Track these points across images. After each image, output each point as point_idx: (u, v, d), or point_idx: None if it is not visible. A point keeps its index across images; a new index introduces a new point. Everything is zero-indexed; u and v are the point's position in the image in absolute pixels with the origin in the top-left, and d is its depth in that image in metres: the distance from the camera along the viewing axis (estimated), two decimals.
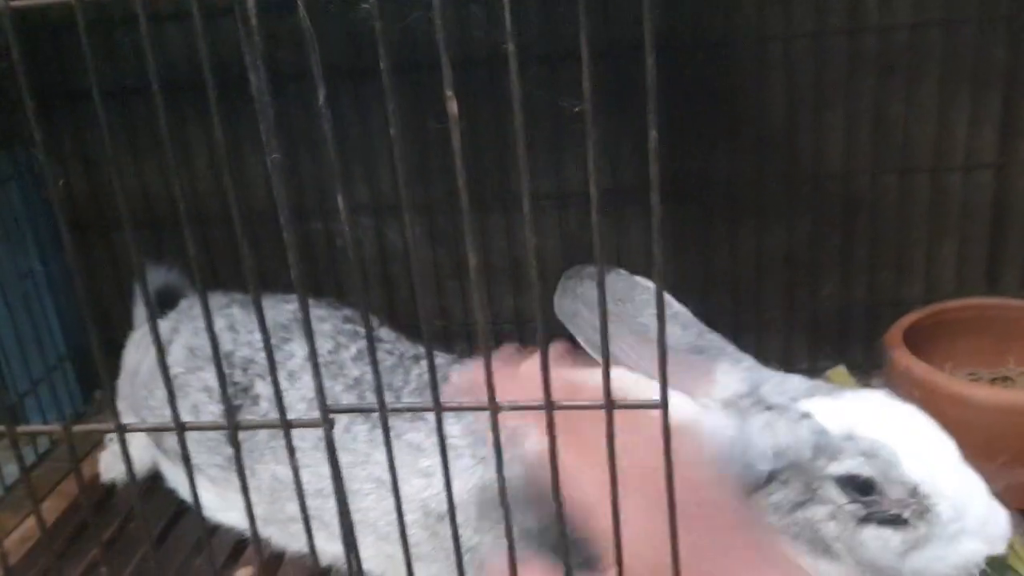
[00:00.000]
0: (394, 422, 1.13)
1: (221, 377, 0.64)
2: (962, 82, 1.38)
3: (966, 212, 1.44)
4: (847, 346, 1.46)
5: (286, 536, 1.20)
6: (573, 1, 0.47)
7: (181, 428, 0.68)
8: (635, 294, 1.05)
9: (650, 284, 1.04)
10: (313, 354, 0.60)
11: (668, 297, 1.02)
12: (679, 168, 1.40)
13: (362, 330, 1.27)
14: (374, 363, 0.62)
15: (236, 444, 0.71)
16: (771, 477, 0.94)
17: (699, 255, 1.45)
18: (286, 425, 0.63)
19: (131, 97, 1.43)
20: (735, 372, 0.98)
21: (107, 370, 0.75)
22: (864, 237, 1.46)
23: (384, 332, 1.31)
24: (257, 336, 1.18)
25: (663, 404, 0.49)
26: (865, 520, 0.93)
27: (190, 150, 1.51)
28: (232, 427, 0.67)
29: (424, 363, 1.24)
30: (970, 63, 1.37)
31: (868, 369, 1.43)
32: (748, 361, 1.01)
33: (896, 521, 0.93)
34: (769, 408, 0.95)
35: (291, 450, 0.64)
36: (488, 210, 1.48)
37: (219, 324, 1.32)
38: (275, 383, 0.61)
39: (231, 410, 0.65)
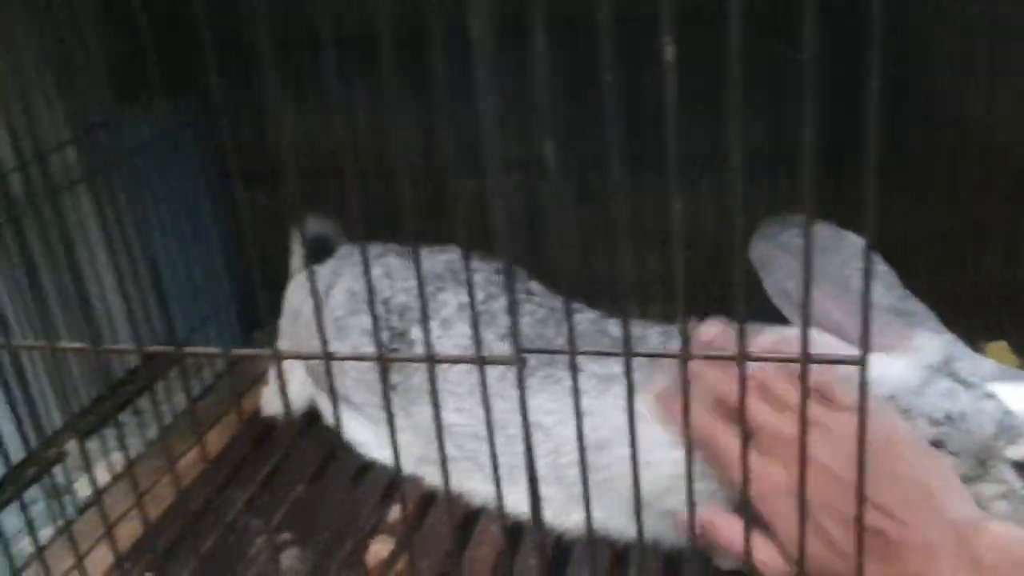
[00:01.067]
0: (552, 370, 1.16)
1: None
2: None
3: None
4: (1011, 324, 1.41)
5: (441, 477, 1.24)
6: None
7: (328, 357, 0.71)
8: (842, 247, 1.04)
9: (858, 239, 1.03)
10: (510, 292, 0.63)
11: (875, 256, 1.02)
12: (836, 133, 1.36)
13: (522, 281, 1.31)
14: (568, 316, 0.63)
15: (386, 377, 0.74)
16: (936, 444, 0.93)
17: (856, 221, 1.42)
18: (481, 361, 0.65)
19: (298, 50, 1.48)
20: (934, 341, 0.98)
21: (267, 307, 0.81)
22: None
23: (534, 285, 1.33)
24: (413, 283, 1.22)
25: (862, 361, 0.49)
26: None
27: (354, 103, 1.56)
28: (380, 359, 0.71)
29: (576, 317, 1.26)
30: None
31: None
32: (949, 335, 1.00)
33: None
34: (958, 381, 0.95)
35: (484, 385, 0.66)
36: (643, 170, 1.47)
37: (376, 272, 1.37)
38: (474, 319, 0.64)
39: (379, 341, 0.68)
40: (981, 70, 1.35)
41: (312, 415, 1.45)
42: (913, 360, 0.96)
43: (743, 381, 0.55)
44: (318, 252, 1.55)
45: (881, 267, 1.05)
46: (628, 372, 0.62)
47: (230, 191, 1.68)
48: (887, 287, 1.04)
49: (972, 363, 0.98)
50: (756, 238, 1.07)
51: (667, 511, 1.04)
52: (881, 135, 0.50)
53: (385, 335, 1.32)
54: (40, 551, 1.02)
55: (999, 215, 1.41)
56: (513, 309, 0.64)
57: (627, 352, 0.60)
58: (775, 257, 1.05)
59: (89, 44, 1.37)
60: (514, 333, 0.64)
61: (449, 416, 1.20)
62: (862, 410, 0.50)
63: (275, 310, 1.46)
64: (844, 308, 0.98)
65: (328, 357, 0.74)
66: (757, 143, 1.39)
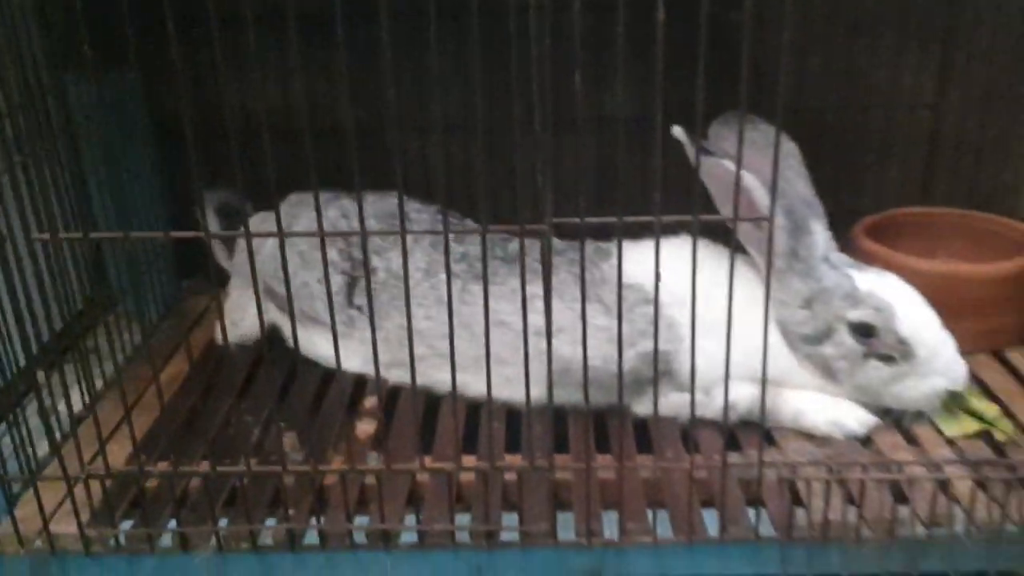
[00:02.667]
0: (499, 271, 1.46)
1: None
2: (910, 39, 1.79)
3: (908, 141, 1.87)
4: None
5: (404, 372, 1.52)
6: None
7: (283, 234, 0.99)
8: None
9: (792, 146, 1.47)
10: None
11: (800, 162, 1.47)
12: (687, 97, 1.77)
13: (456, 220, 1.60)
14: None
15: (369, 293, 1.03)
16: (808, 303, 1.35)
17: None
18: (485, 230, 0.96)
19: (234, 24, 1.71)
20: (821, 233, 1.41)
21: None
22: (829, 159, 1.84)
23: (469, 222, 1.63)
24: (369, 223, 1.50)
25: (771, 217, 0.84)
26: (866, 356, 1.36)
27: (287, 71, 1.80)
28: (402, 232, 1.00)
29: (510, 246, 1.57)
30: (917, 24, 1.78)
31: None
32: (829, 232, 1.43)
33: (888, 359, 1.35)
34: (830, 265, 1.38)
35: (485, 262, 0.96)
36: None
37: (334, 212, 1.62)
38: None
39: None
40: (794, 51, 1.79)
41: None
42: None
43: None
44: (225, 216, 1.77)
45: (804, 171, 1.46)
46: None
47: (169, 150, 1.87)
48: (806, 184, 1.45)
49: (837, 254, 1.41)
50: (716, 123, 1.47)
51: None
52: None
53: (347, 265, 1.59)
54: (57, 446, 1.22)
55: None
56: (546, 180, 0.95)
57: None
58: (725, 138, 1.43)
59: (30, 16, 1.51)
60: (546, 206, 0.95)
61: (420, 323, 1.48)
62: (768, 261, 0.86)
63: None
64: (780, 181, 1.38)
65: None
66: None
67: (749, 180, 1.30)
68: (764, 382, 1.17)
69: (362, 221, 1.11)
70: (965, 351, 1.56)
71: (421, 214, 1.63)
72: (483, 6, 0.97)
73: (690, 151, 1.31)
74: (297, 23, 1.01)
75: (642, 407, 1.44)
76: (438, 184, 1.87)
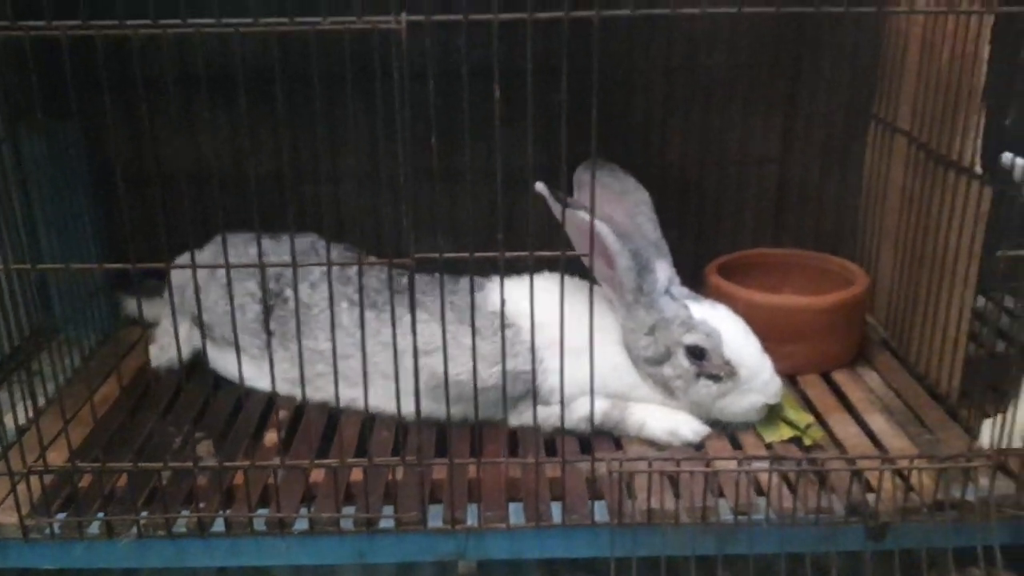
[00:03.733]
0: (402, 311, 1.69)
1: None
2: (758, 104, 2.08)
3: (760, 191, 2.15)
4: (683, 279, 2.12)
5: (313, 390, 1.74)
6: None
7: (228, 266, 1.23)
8: (634, 191, 1.79)
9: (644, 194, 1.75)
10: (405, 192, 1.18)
11: (652, 210, 1.75)
12: (575, 153, 2.04)
13: (353, 255, 1.84)
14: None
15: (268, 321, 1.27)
16: (652, 330, 1.61)
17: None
18: (384, 262, 1.20)
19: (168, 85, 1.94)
20: (665, 270, 1.67)
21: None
22: (692, 207, 2.14)
23: (373, 258, 1.88)
24: (284, 257, 1.75)
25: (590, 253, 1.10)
26: (698, 375, 1.61)
27: (217, 126, 2.04)
28: (294, 264, 1.24)
29: (403, 280, 1.81)
30: (763, 92, 2.07)
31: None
32: (673, 270, 1.69)
33: (716, 378, 1.61)
34: (671, 297, 1.64)
35: (361, 288, 1.21)
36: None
37: (252, 251, 1.83)
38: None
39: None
40: (658, 115, 2.08)
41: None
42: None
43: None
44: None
45: (653, 216, 1.74)
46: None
47: (108, 196, 2.09)
48: (654, 227, 1.72)
49: (678, 287, 1.68)
50: (581, 167, 1.72)
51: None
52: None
53: (262, 294, 1.82)
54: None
55: (671, 208, 2.13)
56: (409, 208, 1.19)
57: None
58: (587, 183, 1.54)
59: None
60: (409, 241, 1.20)
61: (321, 344, 1.71)
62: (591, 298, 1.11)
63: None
64: (631, 228, 1.67)
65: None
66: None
67: (601, 228, 1.56)
68: (593, 396, 1.41)
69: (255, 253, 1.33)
70: (797, 372, 1.84)
71: (331, 251, 1.86)
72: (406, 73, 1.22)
73: (552, 204, 1.56)
74: (210, 86, 1.24)
75: (514, 419, 1.68)
76: (351, 225, 2.12)
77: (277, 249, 1.84)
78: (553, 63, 1.12)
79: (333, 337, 1.42)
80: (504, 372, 1.47)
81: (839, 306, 1.82)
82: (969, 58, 1.57)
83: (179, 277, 1.89)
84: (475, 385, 1.43)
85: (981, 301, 1.73)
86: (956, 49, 1.63)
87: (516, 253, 1.30)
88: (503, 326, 1.42)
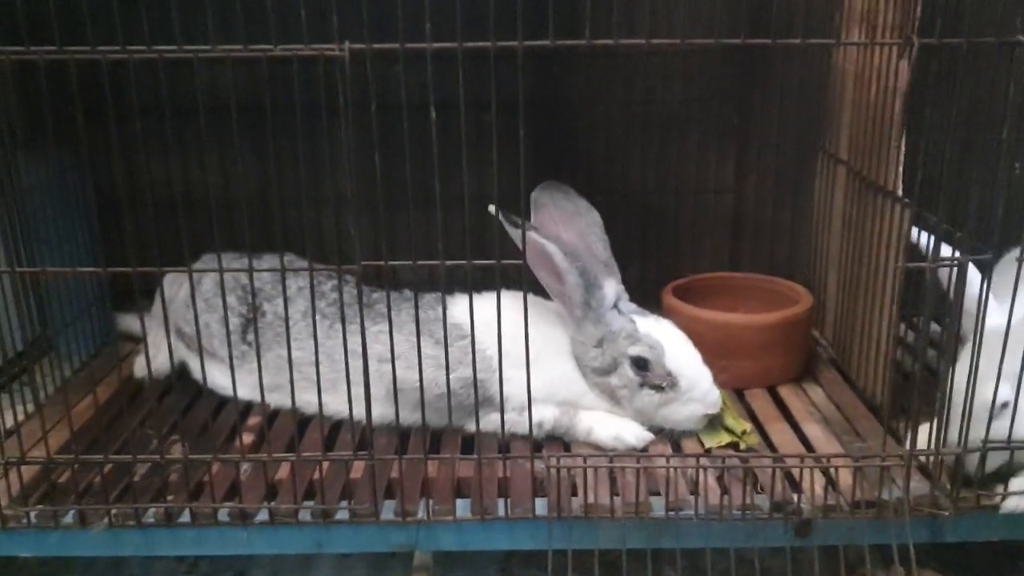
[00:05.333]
0: (370, 321, 1.81)
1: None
2: (712, 136, 2.21)
3: (716, 219, 2.28)
4: (645, 306, 2.23)
5: (283, 396, 1.85)
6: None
7: (190, 271, 1.36)
8: (586, 212, 1.89)
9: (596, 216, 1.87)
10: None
11: (603, 230, 1.85)
12: (539, 182, 2.17)
13: (334, 276, 1.96)
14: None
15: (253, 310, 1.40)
16: (600, 343, 1.71)
17: None
18: (339, 268, 1.32)
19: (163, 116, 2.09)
20: (613, 287, 1.78)
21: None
22: (653, 234, 2.26)
23: (347, 277, 2.00)
24: (265, 277, 1.88)
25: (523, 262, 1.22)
26: (641, 385, 1.72)
27: (204, 153, 2.18)
28: (283, 269, 1.36)
29: (380, 293, 1.94)
30: (717, 124, 2.21)
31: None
32: (621, 286, 1.80)
33: (658, 388, 1.71)
34: (619, 312, 1.75)
35: (314, 296, 1.33)
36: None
37: (236, 267, 1.98)
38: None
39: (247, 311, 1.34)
40: (619, 146, 2.21)
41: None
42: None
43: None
44: None
45: (605, 237, 1.85)
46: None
47: (104, 218, 2.23)
48: (604, 247, 1.83)
49: (625, 303, 1.78)
50: (538, 189, 1.86)
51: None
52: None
53: (244, 308, 1.95)
54: None
55: (633, 235, 2.26)
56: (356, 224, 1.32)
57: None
58: (544, 204, 1.83)
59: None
60: (357, 249, 1.32)
61: (294, 354, 1.83)
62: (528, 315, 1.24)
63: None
64: (582, 247, 1.78)
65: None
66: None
67: (550, 248, 1.68)
68: (527, 405, 1.52)
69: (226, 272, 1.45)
70: (745, 386, 1.94)
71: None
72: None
73: (507, 224, 1.67)
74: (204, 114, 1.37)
75: (471, 425, 1.78)
76: (331, 247, 2.24)
77: (257, 267, 1.97)
78: (536, 95, 1.24)
79: (318, 346, 1.53)
80: (470, 379, 1.61)
81: (782, 323, 1.93)
82: (892, 88, 1.69)
83: (167, 290, 2.04)
84: (422, 389, 1.55)
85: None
86: (881, 81, 1.75)
87: (456, 262, 1.42)
88: (474, 343, 1.60)
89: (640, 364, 1.71)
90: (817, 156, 2.17)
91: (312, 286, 1.57)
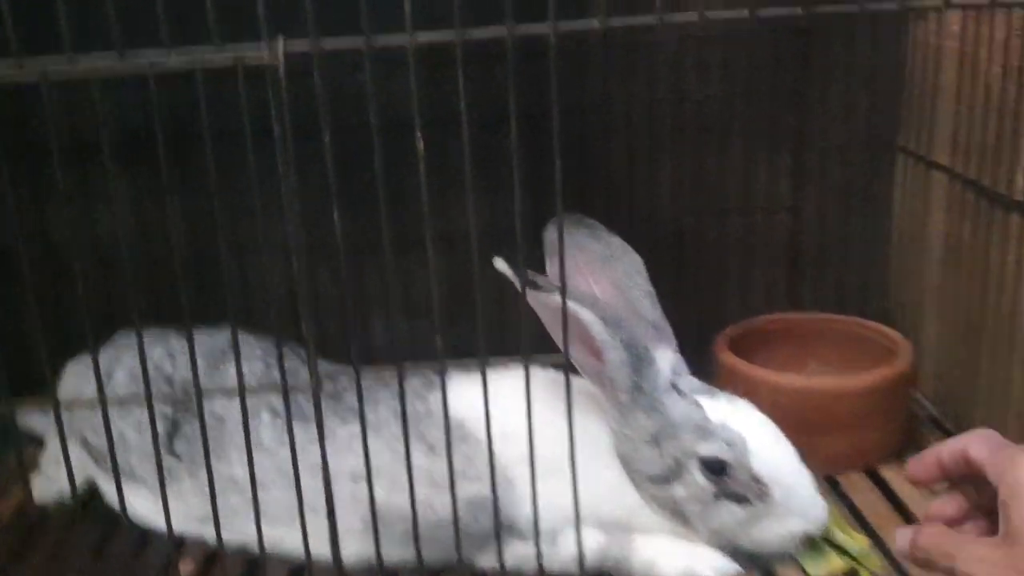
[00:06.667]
0: (332, 423, 1.34)
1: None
2: (761, 141, 1.75)
3: (769, 245, 1.81)
4: (684, 356, 1.78)
5: (226, 530, 1.38)
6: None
7: (104, 403, 0.88)
8: (627, 259, 1.38)
9: (638, 258, 1.38)
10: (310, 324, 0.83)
11: (647, 280, 1.36)
12: (539, 210, 1.70)
13: (292, 355, 1.48)
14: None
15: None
16: (655, 439, 1.23)
17: None
18: (286, 388, 0.85)
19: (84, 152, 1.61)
20: (668, 355, 1.29)
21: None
22: (691, 267, 1.80)
23: (301, 352, 1.52)
24: (199, 358, 1.39)
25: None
26: (718, 496, 1.23)
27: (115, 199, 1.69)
28: (198, 397, 0.89)
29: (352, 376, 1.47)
30: (766, 126, 1.75)
31: (702, 377, 1.75)
32: (678, 355, 1.32)
33: (742, 500, 1.23)
34: (678, 393, 1.26)
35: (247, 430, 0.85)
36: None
37: (159, 351, 1.49)
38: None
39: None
40: (643, 159, 1.75)
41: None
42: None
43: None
44: None
45: (649, 288, 1.35)
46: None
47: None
48: (651, 304, 1.34)
49: (685, 379, 1.29)
50: (552, 227, 1.30)
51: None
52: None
53: (169, 409, 1.46)
54: None
55: (666, 270, 1.79)
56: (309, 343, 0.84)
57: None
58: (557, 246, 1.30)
59: None
60: (312, 365, 0.84)
61: (236, 470, 1.35)
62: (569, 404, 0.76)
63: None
64: (622, 306, 1.31)
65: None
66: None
67: (585, 316, 1.20)
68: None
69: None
70: (836, 471, 1.49)
71: (254, 349, 1.51)
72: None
73: (516, 282, 1.20)
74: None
75: (485, 560, 1.31)
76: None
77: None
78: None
79: (268, 458, 1.06)
80: (475, 499, 1.12)
81: (882, 385, 1.47)
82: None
83: (67, 390, 1.55)
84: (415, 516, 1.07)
85: None
86: (1010, 59, 1.32)
87: (463, 360, 0.96)
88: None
89: (715, 468, 1.23)
90: (895, 160, 1.73)
91: (239, 362, 1.08)
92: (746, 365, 1.52)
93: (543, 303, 1.20)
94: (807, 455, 1.31)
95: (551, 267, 1.33)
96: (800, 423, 1.38)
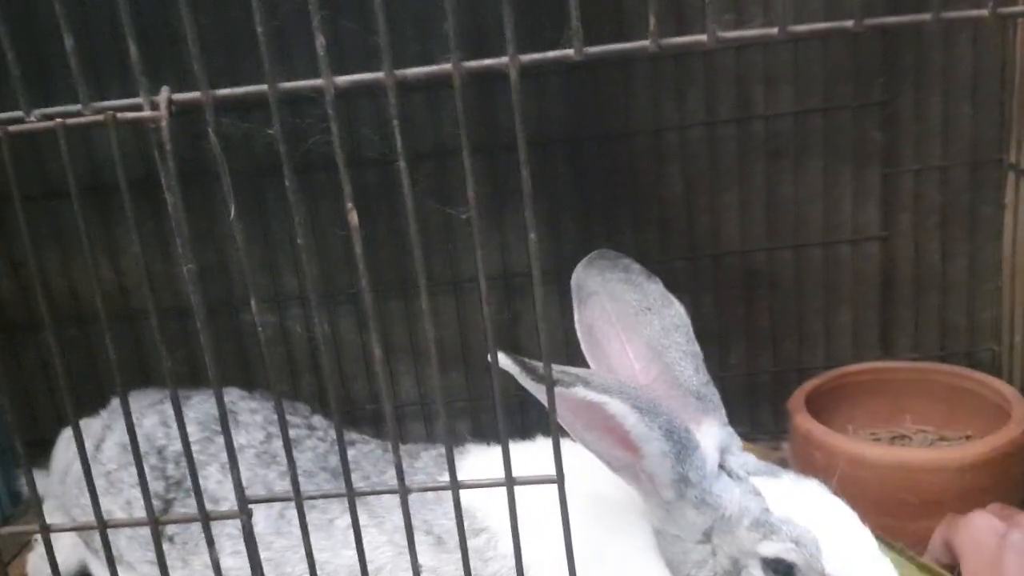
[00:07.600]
0: (329, 506, 1.17)
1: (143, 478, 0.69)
2: (844, 162, 1.52)
3: (857, 281, 1.57)
4: (756, 413, 1.55)
5: None
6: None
7: (104, 525, 0.72)
8: (666, 312, 1.15)
9: (681, 308, 1.14)
10: (230, 446, 0.66)
11: (691, 338, 1.13)
12: (588, 249, 1.50)
13: (296, 419, 1.33)
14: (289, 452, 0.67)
15: (158, 540, 0.75)
16: (707, 536, 1.02)
17: None
18: (205, 518, 0.68)
19: (58, 200, 1.49)
20: (715, 431, 1.07)
21: (31, 472, 0.80)
22: (765, 308, 1.57)
23: (316, 419, 1.36)
24: (190, 429, 1.22)
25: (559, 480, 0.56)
26: None
27: (117, 248, 1.56)
28: (153, 522, 0.72)
29: (360, 447, 1.30)
30: (850, 145, 1.51)
31: (778, 434, 1.52)
32: (729, 428, 1.09)
33: None
34: (732, 477, 1.03)
35: (210, 542, 0.68)
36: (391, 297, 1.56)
37: (152, 420, 1.35)
38: (194, 478, 0.66)
39: (150, 505, 0.70)
40: (704, 187, 1.53)
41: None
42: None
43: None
44: None
45: (695, 348, 1.13)
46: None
47: None
48: (696, 369, 1.12)
49: (740, 457, 1.07)
50: (583, 266, 1.14)
51: None
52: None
53: (160, 485, 1.30)
54: None
55: (735, 312, 1.57)
56: (235, 464, 0.67)
57: (350, 492, 0.64)
58: (593, 292, 1.12)
59: None
60: (237, 488, 0.67)
61: (226, 560, 1.18)
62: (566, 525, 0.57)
63: (45, 466, 1.42)
64: (658, 373, 1.10)
65: (104, 526, 0.74)
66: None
67: (613, 407, 0.98)
68: None
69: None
70: (937, 561, 1.24)
71: (255, 415, 1.35)
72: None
73: (525, 381, 0.97)
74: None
75: None
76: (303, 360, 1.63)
77: (187, 414, 1.34)
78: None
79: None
80: None
81: (991, 457, 1.22)
82: None
83: (59, 459, 1.43)
84: None
85: None
86: None
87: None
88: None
89: (781, 570, 1.00)
90: (1004, 179, 1.47)
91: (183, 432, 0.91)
92: (824, 431, 1.29)
93: (561, 398, 0.98)
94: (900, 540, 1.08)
95: (579, 315, 1.13)
96: (891, 501, 1.15)
